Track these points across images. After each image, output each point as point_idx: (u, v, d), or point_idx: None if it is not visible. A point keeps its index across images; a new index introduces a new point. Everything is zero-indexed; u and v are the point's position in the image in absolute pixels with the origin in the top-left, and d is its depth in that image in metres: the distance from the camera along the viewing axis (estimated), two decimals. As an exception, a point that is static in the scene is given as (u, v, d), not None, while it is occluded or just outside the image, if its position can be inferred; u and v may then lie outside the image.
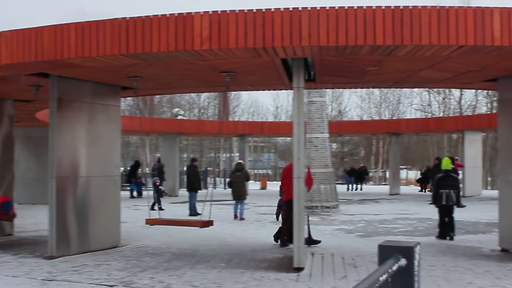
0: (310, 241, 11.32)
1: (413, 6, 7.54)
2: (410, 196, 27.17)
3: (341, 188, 29.99)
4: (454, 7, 7.62)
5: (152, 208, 17.51)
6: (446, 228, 12.60)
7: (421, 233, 13.49)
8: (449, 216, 12.61)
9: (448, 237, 12.49)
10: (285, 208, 11.38)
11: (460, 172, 23.02)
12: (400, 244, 2.07)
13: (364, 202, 24.02)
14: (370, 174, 44.90)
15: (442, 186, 12.56)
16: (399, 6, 7.51)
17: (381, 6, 7.50)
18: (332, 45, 7.53)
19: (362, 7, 7.50)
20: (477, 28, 7.59)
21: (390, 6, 7.50)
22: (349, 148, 57.56)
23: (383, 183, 44.27)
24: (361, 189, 33.75)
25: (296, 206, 8.92)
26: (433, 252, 10.58)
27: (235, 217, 16.78)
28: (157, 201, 18.64)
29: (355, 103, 79.95)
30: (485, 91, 38.67)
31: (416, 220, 16.48)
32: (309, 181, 11.79)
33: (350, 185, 34.44)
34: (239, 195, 16.70)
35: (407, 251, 2.04)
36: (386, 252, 2.03)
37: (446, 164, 12.82)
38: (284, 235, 11.31)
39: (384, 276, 1.81)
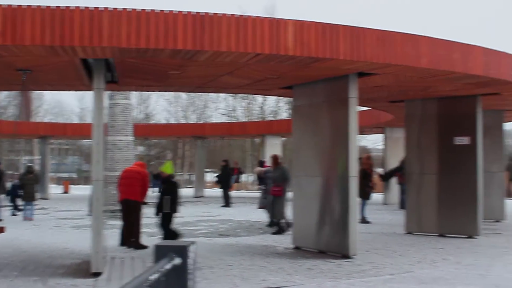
0: (137, 246, 11.20)
1: (214, 13, 7.75)
2: (214, 198, 27.71)
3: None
4: (251, 17, 7.97)
5: None
6: (170, 235, 11.31)
7: (222, 234, 13.87)
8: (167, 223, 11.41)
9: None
10: (124, 208, 11.36)
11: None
12: (175, 243, 2.12)
13: (169, 205, 24.07)
14: (177, 177, 45.18)
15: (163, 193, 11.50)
16: (200, 12, 7.68)
17: (182, 11, 7.62)
18: (133, 47, 7.50)
19: (163, 11, 7.56)
20: (273, 38, 8.02)
21: (191, 12, 7.65)
22: (156, 152, 57.47)
23: (189, 186, 44.82)
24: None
25: (95, 209, 8.73)
26: (232, 252, 10.94)
27: (26, 218, 16.95)
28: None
29: (163, 106, 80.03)
30: (286, 97, 40.84)
31: (218, 221, 16.91)
32: None
33: (157, 189, 34.32)
34: (30, 196, 17.10)
35: (182, 250, 2.09)
36: (162, 251, 2.07)
37: (167, 168, 11.56)
38: (132, 238, 11.19)
39: (156, 275, 1.84)
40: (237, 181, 30.83)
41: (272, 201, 14.06)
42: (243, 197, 28.49)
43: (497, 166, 16.51)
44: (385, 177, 21.18)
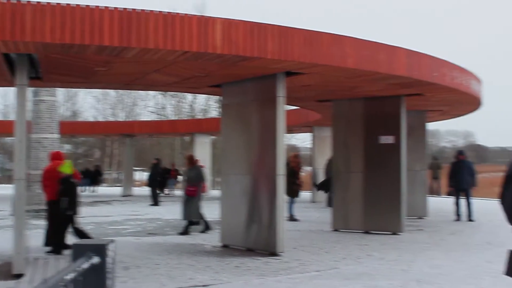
0: (61, 246, 10.75)
1: (141, 10, 7.65)
2: (143, 197, 27.35)
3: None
4: (179, 14, 7.91)
5: None
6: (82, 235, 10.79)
7: (150, 233, 13.74)
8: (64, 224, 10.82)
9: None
10: (48, 209, 10.83)
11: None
12: (93, 242, 2.08)
13: (96, 204, 23.69)
14: (105, 176, 44.44)
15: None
16: (127, 8, 7.57)
17: (108, 7, 7.48)
18: (57, 42, 7.31)
19: (89, 6, 7.40)
20: (201, 36, 7.99)
21: (118, 8, 7.52)
22: (83, 150, 56.29)
23: (117, 184, 44.13)
24: (95, 191, 32.96)
25: (17, 209, 8.47)
26: (159, 251, 10.85)
27: None
28: None
29: (90, 103, 78.48)
30: (216, 96, 40.78)
31: (146, 220, 16.74)
32: None
33: (85, 187, 33.66)
34: None
35: (100, 249, 2.06)
36: (79, 250, 2.03)
37: (66, 168, 10.66)
38: (56, 238, 10.75)
39: (72, 275, 1.81)
40: (175, 183, 30.59)
41: (185, 201, 13.59)
42: (172, 196, 28.32)
43: (420, 165, 17.03)
44: (320, 187, 21.16)
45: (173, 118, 45.81)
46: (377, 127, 13.64)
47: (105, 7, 7.47)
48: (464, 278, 8.30)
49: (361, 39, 9.81)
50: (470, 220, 15.84)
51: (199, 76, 10.42)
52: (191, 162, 14.04)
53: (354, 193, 13.89)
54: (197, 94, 43.29)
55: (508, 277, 3.69)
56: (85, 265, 1.85)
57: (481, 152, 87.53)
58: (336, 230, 13.97)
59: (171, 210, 19.99)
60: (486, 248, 11.22)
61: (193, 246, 11.62)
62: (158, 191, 23.25)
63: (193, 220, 13.56)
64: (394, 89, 12.24)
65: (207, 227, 13.73)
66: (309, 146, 34.02)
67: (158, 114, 48.17)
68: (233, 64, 9.05)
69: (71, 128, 30.93)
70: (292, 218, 16.18)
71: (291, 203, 16.41)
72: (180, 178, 30.32)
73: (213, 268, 9.10)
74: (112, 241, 2.06)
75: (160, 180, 27.22)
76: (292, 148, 47.52)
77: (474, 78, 13.80)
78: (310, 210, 19.84)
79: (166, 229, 14.49)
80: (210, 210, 19.19)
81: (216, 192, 30.80)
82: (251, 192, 10.90)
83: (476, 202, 18.44)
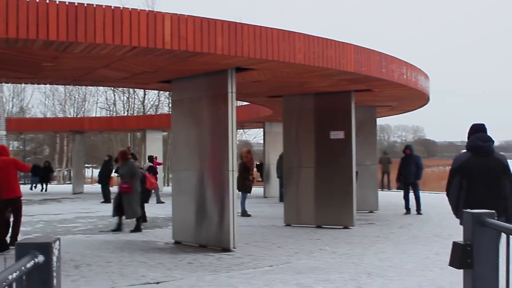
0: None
1: (87, 4, 7.52)
2: (94, 194, 27.00)
3: (25, 188, 28.57)
4: (128, 9, 7.81)
5: None
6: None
7: (102, 231, 13.56)
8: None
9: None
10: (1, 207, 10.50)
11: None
12: (37, 240, 2.04)
13: (45, 202, 23.28)
14: (55, 173, 43.65)
15: None
16: (74, 3, 7.42)
17: (55, 1, 7.32)
18: (2, 37, 7.12)
19: (35, 0, 7.23)
20: (149, 31, 7.91)
21: (64, 2, 7.36)
22: (32, 147, 55.16)
23: (68, 182, 43.39)
24: (46, 190, 31.85)
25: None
26: (111, 249, 10.72)
27: None
28: None
29: (39, 99, 76.91)
30: (167, 91, 40.53)
31: (97, 218, 16.53)
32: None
33: (34, 185, 33.01)
34: None
35: (45, 248, 2.02)
36: (23, 249, 1.99)
37: None
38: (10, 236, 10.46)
39: (15, 274, 1.77)
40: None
41: (120, 198, 13.32)
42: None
43: (371, 160, 17.28)
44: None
45: (124, 114, 45.33)
46: (328, 122, 13.77)
47: (50, 1, 7.30)
48: (413, 270, 8.46)
49: (311, 35, 9.87)
50: (418, 213, 16.16)
51: (149, 71, 10.32)
52: (123, 157, 13.71)
53: (306, 188, 14.01)
54: (147, 90, 43.04)
55: (454, 268, 3.79)
56: (29, 265, 1.81)
57: (430, 146, 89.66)
58: (288, 225, 14.07)
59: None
60: (434, 240, 11.47)
61: (146, 243, 11.52)
62: (109, 188, 22.96)
63: (138, 217, 13.38)
64: (344, 85, 12.38)
65: (139, 228, 13.47)
66: (261, 141, 34.17)
67: (108, 110, 47.64)
68: (183, 59, 8.99)
69: (19, 125, 30.31)
70: (244, 214, 16.23)
71: (243, 198, 16.46)
72: None
73: (165, 265, 9.04)
74: (58, 239, 2.02)
75: (112, 177, 27.34)
76: (244, 144, 47.59)
77: (422, 74, 14.08)
78: (263, 206, 19.91)
79: (117, 227, 14.33)
80: (162, 207, 19.18)
81: (169, 189, 30.70)
82: (202, 188, 10.87)
83: (424, 195, 18.84)
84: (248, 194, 16.78)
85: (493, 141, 6.56)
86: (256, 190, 20.82)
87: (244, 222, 14.47)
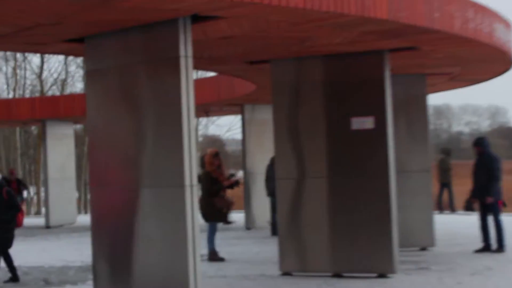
0: None
1: None
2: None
3: None
4: None
5: None
6: None
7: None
8: None
9: None
10: None
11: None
12: None
13: None
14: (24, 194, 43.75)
15: None
16: None
17: None
18: None
19: None
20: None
21: None
22: None
23: None
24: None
25: None
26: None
27: None
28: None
29: None
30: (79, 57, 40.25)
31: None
32: None
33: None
34: None
35: None
36: None
37: None
38: None
39: None
40: (21, 200, 29.97)
41: None
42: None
43: (420, 163, 17.16)
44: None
45: (8, 96, 45.14)
46: (347, 103, 13.77)
47: None
48: None
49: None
50: (500, 249, 16.19)
51: (46, 24, 10.26)
52: None
53: (314, 213, 13.98)
54: (47, 55, 42.61)
55: None
56: None
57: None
58: (287, 273, 14.04)
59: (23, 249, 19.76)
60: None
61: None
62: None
63: None
64: (371, 41, 12.39)
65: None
66: (239, 136, 34.23)
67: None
68: (101, 2, 8.96)
69: None
70: (213, 257, 16.18)
71: (211, 232, 16.39)
72: (26, 193, 29.91)
73: None
74: None
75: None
76: (210, 141, 47.52)
77: (502, 21, 14.10)
78: (244, 242, 19.92)
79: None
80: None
81: (84, 219, 30.50)
82: (135, 218, 10.85)
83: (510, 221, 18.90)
84: (219, 224, 16.72)
85: None
86: (233, 216, 20.69)
87: (214, 271, 14.47)
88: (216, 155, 17.02)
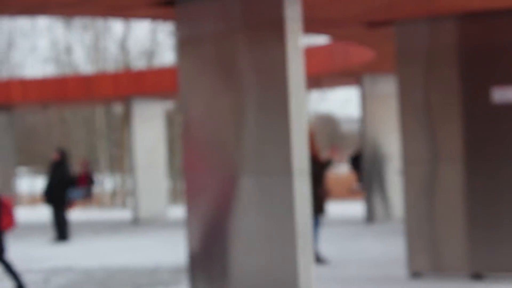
0: None
1: None
2: (38, 225, 27.78)
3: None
4: None
5: None
6: None
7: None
8: None
9: None
10: None
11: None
12: None
13: None
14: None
15: None
16: None
17: None
18: None
19: None
20: None
21: None
22: None
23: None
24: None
25: None
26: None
27: None
28: None
29: None
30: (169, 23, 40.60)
31: (48, 272, 16.85)
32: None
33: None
34: None
35: None
36: None
37: None
38: None
39: None
40: (87, 195, 30.23)
41: None
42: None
43: None
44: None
45: (86, 71, 45.77)
46: (488, 72, 13.62)
47: None
48: None
49: None
50: None
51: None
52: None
53: (449, 203, 13.87)
54: (131, 21, 43.01)
55: None
56: None
57: None
58: (416, 274, 13.96)
59: (89, 247, 20.09)
60: None
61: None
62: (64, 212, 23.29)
63: None
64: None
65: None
66: (356, 113, 34.23)
67: (56, 65, 48.11)
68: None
69: None
70: (318, 259, 16.10)
71: (314, 226, 16.32)
72: (95, 186, 29.86)
73: None
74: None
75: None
76: (323, 120, 47.56)
77: None
78: (363, 238, 19.91)
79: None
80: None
81: (177, 212, 30.81)
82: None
83: None
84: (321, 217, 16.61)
85: None
86: (348, 208, 20.60)
87: (329, 273, 14.46)
88: (312, 135, 16.88)
